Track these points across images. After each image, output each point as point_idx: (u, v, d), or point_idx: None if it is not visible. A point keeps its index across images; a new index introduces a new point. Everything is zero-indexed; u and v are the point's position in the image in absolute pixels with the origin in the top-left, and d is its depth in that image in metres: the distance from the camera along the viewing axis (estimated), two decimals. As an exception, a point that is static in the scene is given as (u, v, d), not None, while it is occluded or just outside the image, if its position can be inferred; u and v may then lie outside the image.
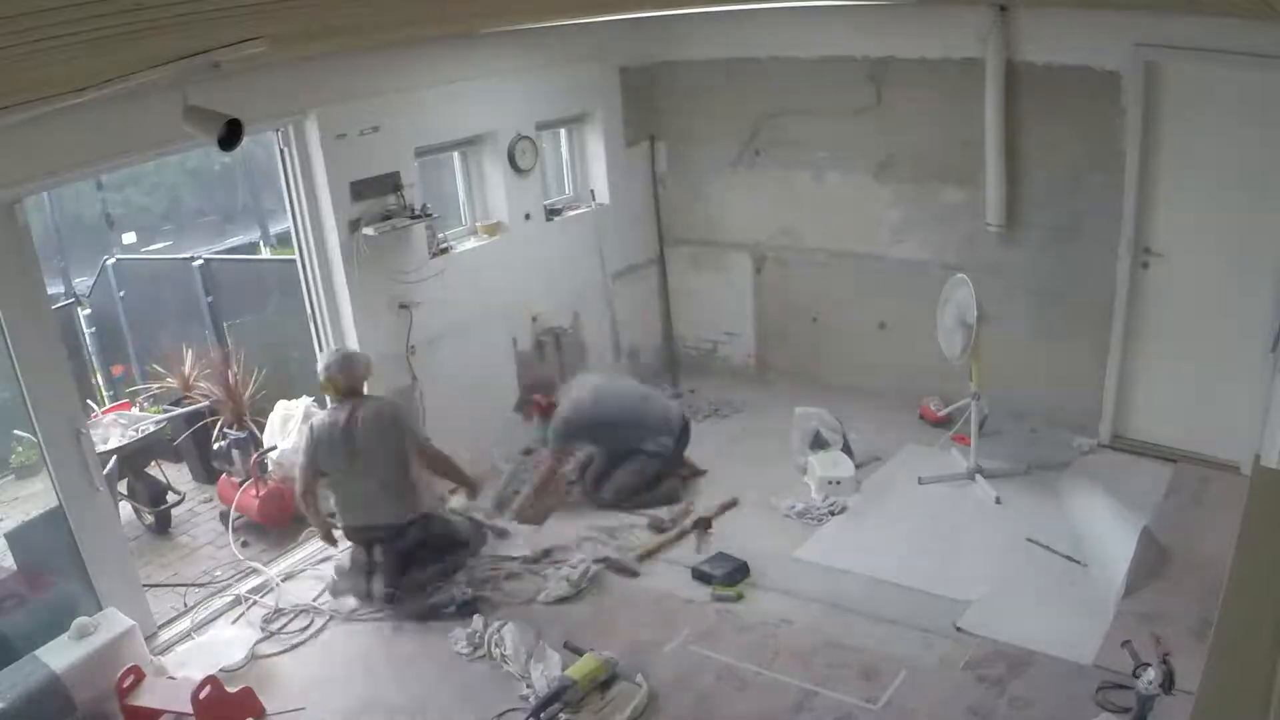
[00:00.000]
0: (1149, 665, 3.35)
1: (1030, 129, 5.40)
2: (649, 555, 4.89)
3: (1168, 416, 5.42)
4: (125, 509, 5.54)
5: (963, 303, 5.09)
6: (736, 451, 5.92)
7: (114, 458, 5.24)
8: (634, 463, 5.36)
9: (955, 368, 5.32)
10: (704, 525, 5.07)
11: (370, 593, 4.60)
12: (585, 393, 5.38)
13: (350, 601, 4.65)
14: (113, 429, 5.56)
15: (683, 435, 5.58)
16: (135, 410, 5.94)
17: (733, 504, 5.28)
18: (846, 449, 5.53)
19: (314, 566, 5.02)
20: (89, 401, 5.95)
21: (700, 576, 4.63)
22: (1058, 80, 5.23)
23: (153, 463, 5.70)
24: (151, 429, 5.60)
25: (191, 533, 5.64)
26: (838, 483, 5.26)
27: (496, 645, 4.21)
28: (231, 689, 3.85)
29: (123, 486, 5.51)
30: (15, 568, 4.54)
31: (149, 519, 5.60)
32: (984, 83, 5.35)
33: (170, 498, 5.65)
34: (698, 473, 5.67)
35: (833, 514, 5.11)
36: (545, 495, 5.35)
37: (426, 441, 4.70)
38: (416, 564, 4.63)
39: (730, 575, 4.58)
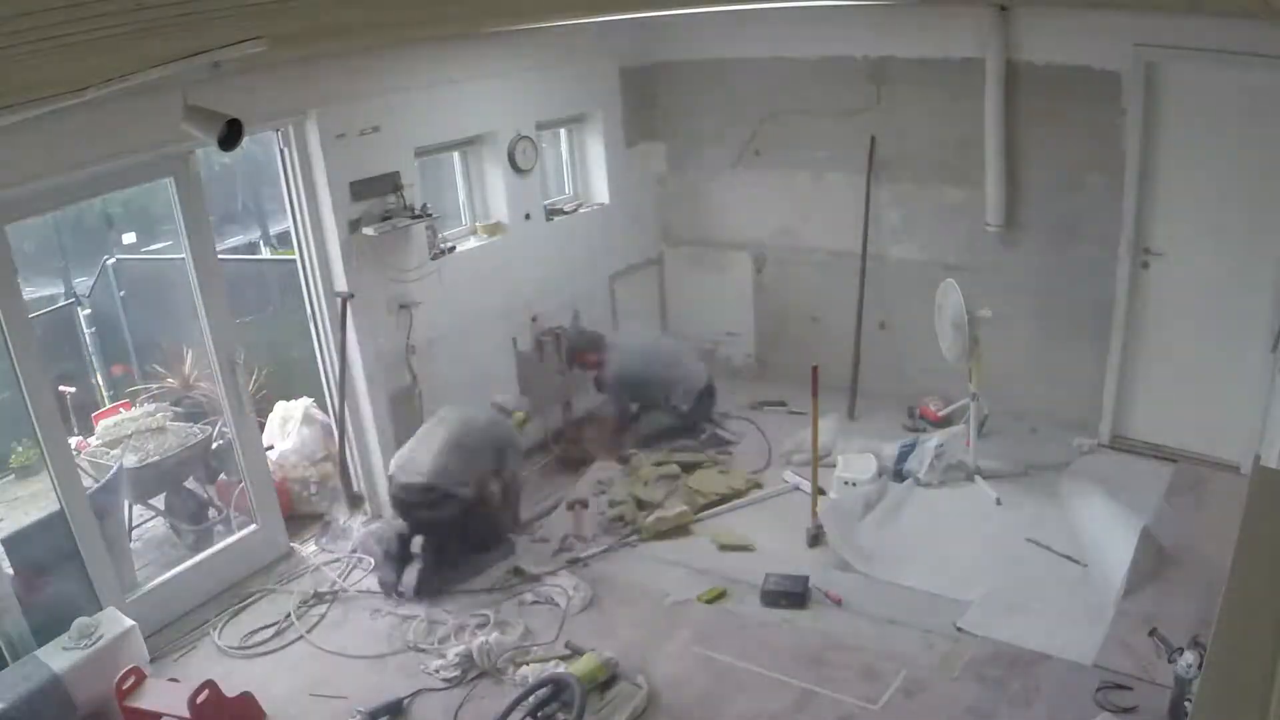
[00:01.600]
0: (1183, 649, 3.35)
1: (1030, 129, 5.40)
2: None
3: (1168, 416, 5.42)
4: (158, 526, 5.30)
5: (955, 307, 5.09)
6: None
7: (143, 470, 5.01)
8: (654, 416, 6.09)
9: (955, 367, 5.32)
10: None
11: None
12: (626, 352, 6.04)
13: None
14: (149, 439, 5.25)
15: (705, 397, 6.05)
16: (160, 415, 5.69)
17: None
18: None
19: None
20: (122, 408, 5.71)
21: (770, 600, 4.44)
22: (1058, 80, 5.23)
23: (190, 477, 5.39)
24: (196, 437, 5.30)
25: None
26: (854, 484, 5.24)
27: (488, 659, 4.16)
28: (230, 694, 3.84)
29: (159, 501, 5.23)
30: (15, 568, 4.53)
31: (189, 538, 5.15)
32: (984, 83, 5.35)
33: (210, 514, 5.32)
34: (725, 442, 5.97)
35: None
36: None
37: None
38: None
39: (796, 598, 4.41)
